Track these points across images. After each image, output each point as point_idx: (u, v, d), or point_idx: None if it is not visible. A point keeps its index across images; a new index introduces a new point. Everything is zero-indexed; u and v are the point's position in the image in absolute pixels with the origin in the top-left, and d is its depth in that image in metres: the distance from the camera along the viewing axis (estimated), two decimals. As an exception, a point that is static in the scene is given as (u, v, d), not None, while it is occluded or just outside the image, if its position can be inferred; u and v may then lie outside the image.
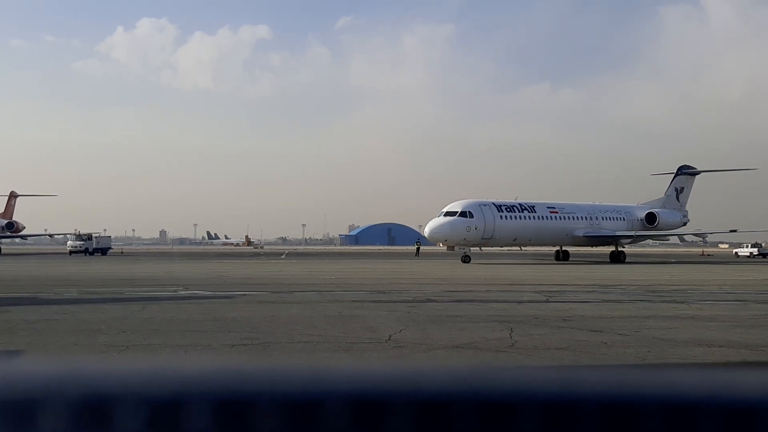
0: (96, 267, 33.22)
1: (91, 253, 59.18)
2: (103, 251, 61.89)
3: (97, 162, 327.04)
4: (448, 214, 38.77)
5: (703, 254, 76.91)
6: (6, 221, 67.33)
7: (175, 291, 16.70)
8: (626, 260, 43.63)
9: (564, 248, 45.28)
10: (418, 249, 59.59)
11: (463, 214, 38.55)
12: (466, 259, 38.02)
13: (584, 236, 43.75)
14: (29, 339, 8.81)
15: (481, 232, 38.82)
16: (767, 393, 0.89)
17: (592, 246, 45.98)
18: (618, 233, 44.74)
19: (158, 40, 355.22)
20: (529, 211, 41.72)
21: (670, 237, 51.83)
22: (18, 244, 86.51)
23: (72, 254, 57.64)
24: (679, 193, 52.52)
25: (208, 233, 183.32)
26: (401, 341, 8.61)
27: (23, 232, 71.99)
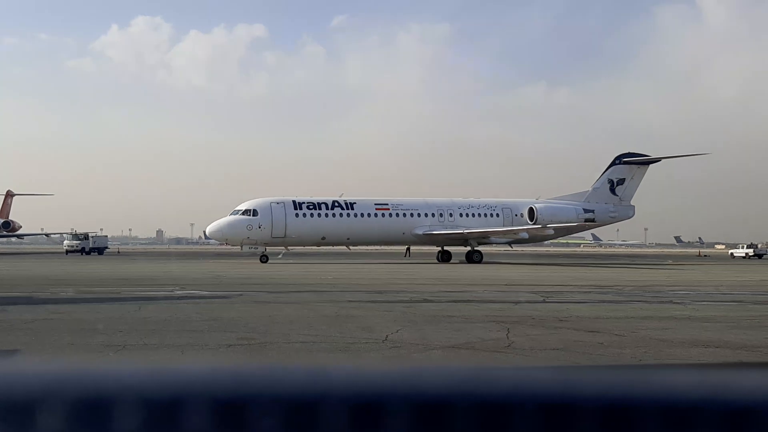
0: (92, 266, 33.19)
1: (88, 253, 59.15)
2: (100, 251, 61.87)
3: (93, 161, 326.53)
4: (234, 212, 38.04)
5: (699, 255, 77.07)
6: (2, 220, 67.29)
7: (171, 291, 16.68)
8: (506, 261, 40.98)
9: (445, 248, 42.13)
10: (408, 249, 59.70)
11: (247, 212, 37.62)
12: (263, 258, 36.92)
13: (424, 235, 41.01)
14: (25, 339, 8.79)
15: (269, 231, 37.53)
16: (764, 394, 0.90)
17: (439, 245, 42.54)
18: (464, 231, 40.71)
19: (153, 38, 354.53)
20: (343, 209, 39.73)
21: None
22: (14, 243, 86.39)
23: (68, 254, 57.59)
24: (615, 185, 46.69)
25: (205, 233, 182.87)
26: (398, 341, 8.61)
27: (19, 232, 71.97)
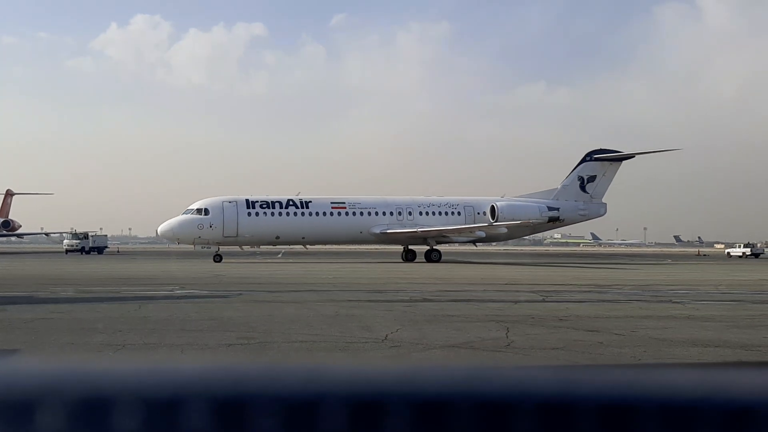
0: (92, 266, 33.19)
1: (88, 252, 59.19)
2: (100, 250, 61.91)
3: (93, 160, 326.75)
4: (186, 211, 37.83)
5: (698, 254, 77.06)
6: (2, 220, 67.32)
7: (171, 290, 16.68)
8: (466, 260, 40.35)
9: (410, 247, 41.46)
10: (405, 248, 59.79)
11: (198, 211, 37.38)
12: (217, 258, 36.53)
13: (381, 233, 40.24)
14: (25, 338, 8.80)
15: (221, 230, 37.24)
16: (763, 393, 0.90)
17: (398, 244, 42.32)
18: (418, 230, 39.90)
19: (152, 37, 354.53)
20: (298, 207, 39.30)
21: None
22: (14, 242, 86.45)
23: (68, 253, 57.63)
24: (586, 182, 45.28)
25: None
26: (398, 341, 8.62)
27: (19, 231, 71.99)
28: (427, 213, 41.85)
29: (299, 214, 39.30)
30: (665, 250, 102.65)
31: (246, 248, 41.40)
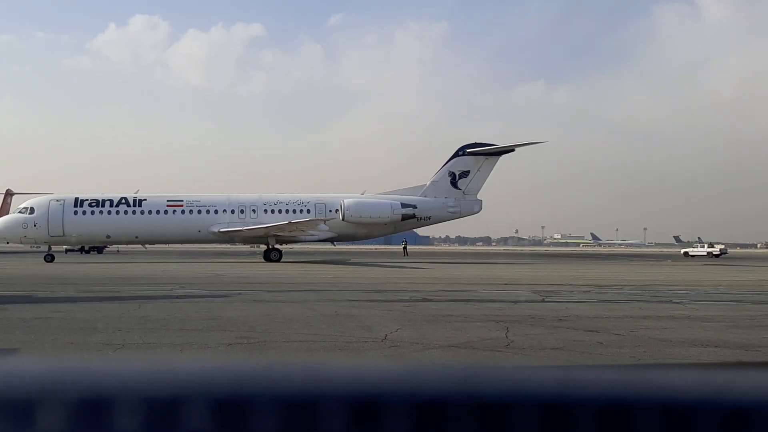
0: (92, 265, 33.17)
1: (87, 252, 59.07)
2: (99, 249, 61.79)
3: (92, 159, 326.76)
4: (16, 210, 37.77)
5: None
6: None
7: (170, 290, 16.68)
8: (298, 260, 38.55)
9: (273, 246, 38.88)
10: (405, 248, 59.77)
11: (24, 210, 37.26)
12: (48, 258, 36.14)
13: (220, 232, 39.00)
14: (25, 337, 8.80)
15: (46, 229, 36.89)
16: (763, 394, 0.90)
17: (243, 243, 41.29)
18: (252, 228, 38.47)
19: (151, 37, 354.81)
20: (130, 206, 38.48)
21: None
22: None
23: (68, 252, 57.50)
24: (458, 177, 42.61)
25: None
26: (397, 341, 8.62)
27: (19, 230, 71.83)
28: (273, 211, 40.18)
29: (131, 212, 38.65)
30: (665, 250, 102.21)
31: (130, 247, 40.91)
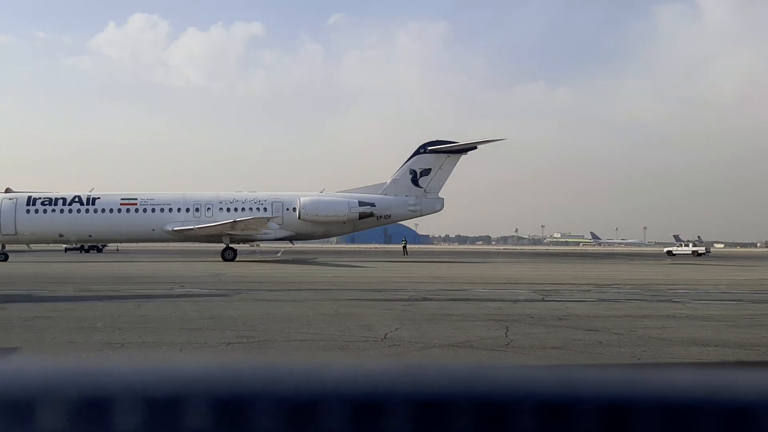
0: (91, 264, 33.18)
1: (87, 251, 59.09)
2: (99, 248, 61.81)
3: (91, 158, 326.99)
4: None
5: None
6: (1, 218, 67.14)
7: (170, 289, 16.68)
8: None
9: (228, 245, 38.19)
10: (404, 247, 59.85)
11: None
12: (1, 257, 36.25)
13: (174, 231, 38.69)
14: (24, 336, 8.80)
15: None
16: (763, 393, 0.90)
17: (198, 242, 40.98)
18: (203, 226, 37.98)
19: (150, 36, 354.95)
20: (83, 204, 38.35)
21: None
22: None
23: (67, 251, 57.54)
24: (419, 175, 42.31)
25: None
26: (397, 340, 8.62)
27: (19, 230, 71.78)
28: (228, 209, 39.69)
29: (83, 211, 38.54)
30: (665, 250, 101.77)
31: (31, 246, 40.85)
